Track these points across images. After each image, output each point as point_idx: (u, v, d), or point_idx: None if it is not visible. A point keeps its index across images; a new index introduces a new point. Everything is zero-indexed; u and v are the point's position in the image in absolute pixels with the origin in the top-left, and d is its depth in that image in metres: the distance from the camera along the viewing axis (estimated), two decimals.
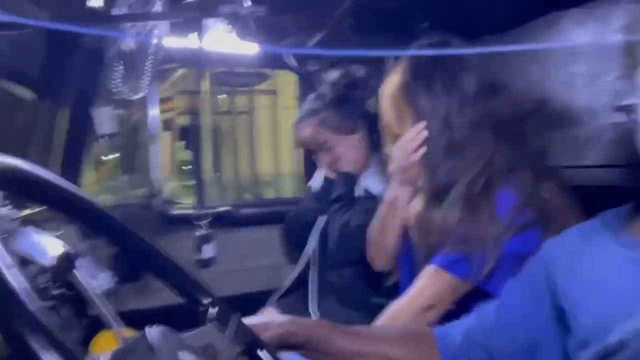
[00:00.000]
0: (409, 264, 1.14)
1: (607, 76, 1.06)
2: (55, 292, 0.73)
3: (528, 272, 0.71)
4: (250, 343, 0.56)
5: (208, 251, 1.25)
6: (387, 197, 1.19)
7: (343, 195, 1.47)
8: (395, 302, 1.02)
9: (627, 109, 1.04)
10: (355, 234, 1.34)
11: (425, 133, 1.04)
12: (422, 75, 1.05)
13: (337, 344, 0.71)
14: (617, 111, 1.06)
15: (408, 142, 1.07)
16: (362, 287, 1.44)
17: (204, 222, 1.28)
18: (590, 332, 0.58)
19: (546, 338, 0.66)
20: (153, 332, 0.39)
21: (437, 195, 1.02)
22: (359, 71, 1.52)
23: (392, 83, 1.10)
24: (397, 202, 1.16)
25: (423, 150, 1.06)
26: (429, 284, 0.99)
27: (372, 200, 1.39)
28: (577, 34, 1.05)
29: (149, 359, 0.37)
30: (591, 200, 0.94)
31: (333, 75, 1.52)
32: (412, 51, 1.05)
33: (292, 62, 1.76)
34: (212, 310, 0.53)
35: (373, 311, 1.19)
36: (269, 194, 5.15)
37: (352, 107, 1.50)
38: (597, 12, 1.01)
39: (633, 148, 0.68)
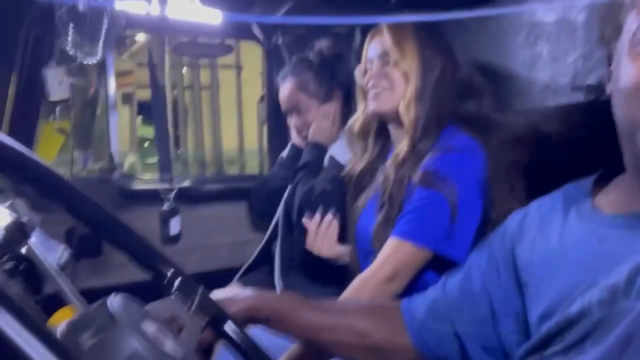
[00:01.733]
0: (366, 237, 1.15)
1: (569, 56, 1.08)
2: (6, 266, 0.69)
3: (491, 245, 0.72)
4: (216, 316, 0.54)
5: (175, 226, 1.21)
6: None
7: (309, 163, 1.46)
8: (360, 274, 1.03)
9: (588, 89, 1.07)
10: (318, 201, 1.32)
11: None
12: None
13: (302, 317, 0.71)
14: (576, 91, 1.09)
15: None
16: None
17: (169, 197, 1.25)
18: (553, 304, 0.59)
19: (508, 311, 0.67)
20: (114, 301, 0.37)
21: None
22: (341, 45, 1.52)
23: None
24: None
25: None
26: (391, 254, 1.00)
27: (337, 169, 1.38)
28: (543, 12, 1.07)
29: (110, 328, 0.34)
30: (551, 176, 0.97)
31: (323, 42, 1.52)
32: (381, 18, 1.05)
33: (258, 33, 1.72)
34: (175, 283, 0.51)
35: (335, 283, 1.19)
36: (233, 170, 5.08)
37: (332, 76, 1.50)
38: None
39: (592, 125, 0.70)
